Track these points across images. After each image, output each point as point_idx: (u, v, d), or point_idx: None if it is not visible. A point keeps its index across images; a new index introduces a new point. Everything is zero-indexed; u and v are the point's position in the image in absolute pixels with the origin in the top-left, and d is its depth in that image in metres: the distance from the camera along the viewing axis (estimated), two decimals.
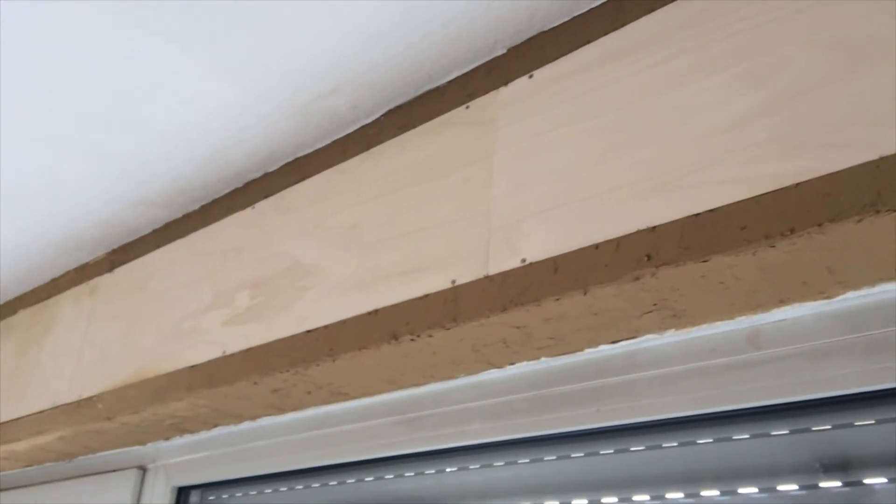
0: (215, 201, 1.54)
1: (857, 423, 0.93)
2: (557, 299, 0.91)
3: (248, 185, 1.48)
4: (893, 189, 0.69)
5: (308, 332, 1.19)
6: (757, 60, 0.83)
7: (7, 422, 1.79)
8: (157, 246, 1.63)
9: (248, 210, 1.44)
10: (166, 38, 1.13)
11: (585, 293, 0.89)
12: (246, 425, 1.54)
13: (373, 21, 1.07)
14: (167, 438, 1.65)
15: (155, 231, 1.68)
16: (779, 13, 0.83)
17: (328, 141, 1.34)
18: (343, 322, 1.14)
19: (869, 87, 0.74)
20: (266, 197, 1.41)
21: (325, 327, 1.17)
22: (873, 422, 0.91)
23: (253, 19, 1.08)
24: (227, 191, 1.52)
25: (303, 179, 1.34)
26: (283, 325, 1.24)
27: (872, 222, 0.71)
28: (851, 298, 0.88)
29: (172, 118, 1.31)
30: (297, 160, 1.39)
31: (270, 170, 1.44)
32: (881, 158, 0.70)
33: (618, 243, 0.87)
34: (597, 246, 0.89)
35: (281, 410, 1.40)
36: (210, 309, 1.41)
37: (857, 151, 0.72)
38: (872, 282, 0.83)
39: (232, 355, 1.31)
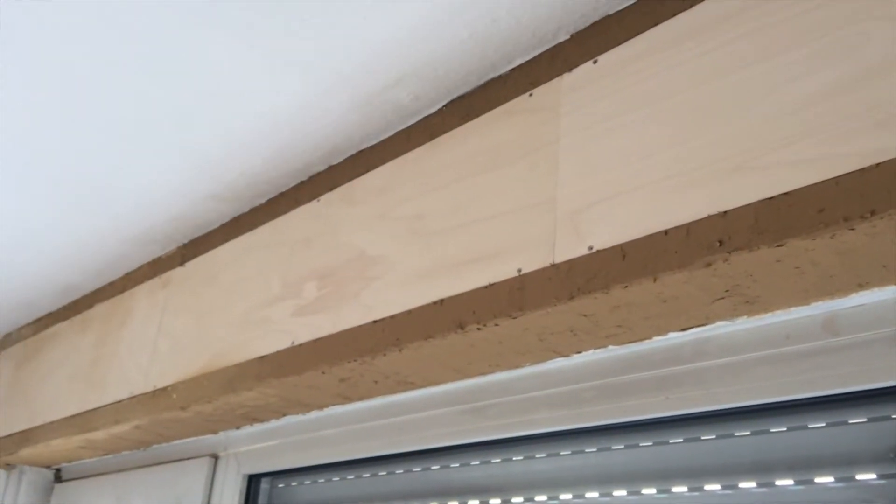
0: (282, 194, 1.57)
1: None
2: (626, 287, 0.90)
3: (313, 177, 1.51)
4: None
5: (374, 322, 1.20)
6: (831, 37, 0.80)
7: (86, 412, 1.86)
8: (227, 239, 1.67)
9: (314, 203, 1.47)
10: (234, 34, 1.16)
11: (655, 280, 0.87)
12: (314, 414, 1.57)
13: (439, 9, 1.07)
14: (238, 427, 1.69)
15: (223, 225, 1.72)
16: None
17: (391, 132, 1.36)
18: (409, 312, 1.15)
19: None
20: (331, 189, 1.43)
21: (392, 317, 1.18)
22: None
23: (318, 14, 1.10)
24: (293, 184, 1.55)
25: (367, 171, 1.36)
26: (350, 315, 1.26)
27: None
28: None
29: (240, 114, 1.34)
30: (361, 152, 1.41)
31: (335, 162, 1.46)
32: None
33: (688, 229, 0.86)
34: (666, 232, 0.88)
35: (348, 399, 1.42)
36: (278, 300, 1.44)
37: None
38: None
39: (300, 345, 1.33)
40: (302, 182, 1.54)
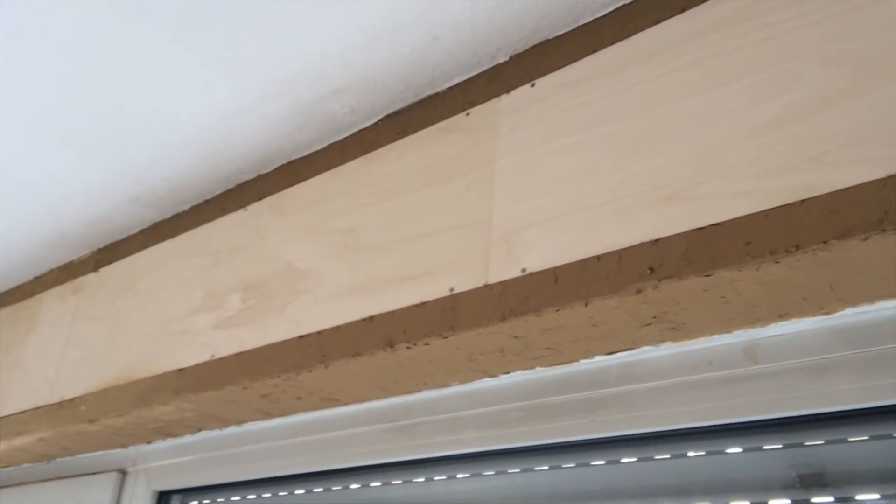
0: (207, 202, 1.53)
1: (851, 439, 0.93)
2: (558, 310, 0.90)
3: (241, 186, 1.47)
4: None
5: (301, 337, 1.18)
6: (767, 74, 0.83)
7: None
8: (146, 246, 1.61)
9: (241, 212, 1.43)
10: (166, 34, 1.12)
11: (586, 305, 0.88)
12: (231, 430, 1.52)
13: (381, 23, 1.06)
14: (149, 442, 1.63)
15: (143, 230, 1.66)
16: (789, 26, 0.83)
17: (325, 144, 1.33)
18: (337, 328, 1.13)
19: (880, 104, 0.74)
20: (260, 199, 1.39)
21: (319, 333, 1.15)
22: (867, 438, 0.92)
23: (259, 19, 1.07)
24: (219, 191, 1.51)
25: (299, 182, 1.33)
26: (276, 329, 1.23)
27: (878, 241, 0.71)
28: (850, 315, 0.89)
29: (170, 116, 1.29)
30: (293, 162, 1.38)
31: (265, 171, 1.43)
32: (889, 176, 0.71)
33: (620, 255, 0.87)
34: (599, 257, 0.89)
35: (269, 415, 1.39)
36: (200, 311, 1.39)
37: (866, 169, 0.72)
38: (872, 299, 0.83)
39: (221, 359, 1.29)
40: (229, 190, 1.50)
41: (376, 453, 1.31)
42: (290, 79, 1.19)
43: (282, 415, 1.38)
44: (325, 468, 1.40)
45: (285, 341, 1.20)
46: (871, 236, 0.71)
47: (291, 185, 1.35)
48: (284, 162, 1.40)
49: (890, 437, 0.90)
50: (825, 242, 0.73)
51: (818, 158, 0.76)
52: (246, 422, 1.44)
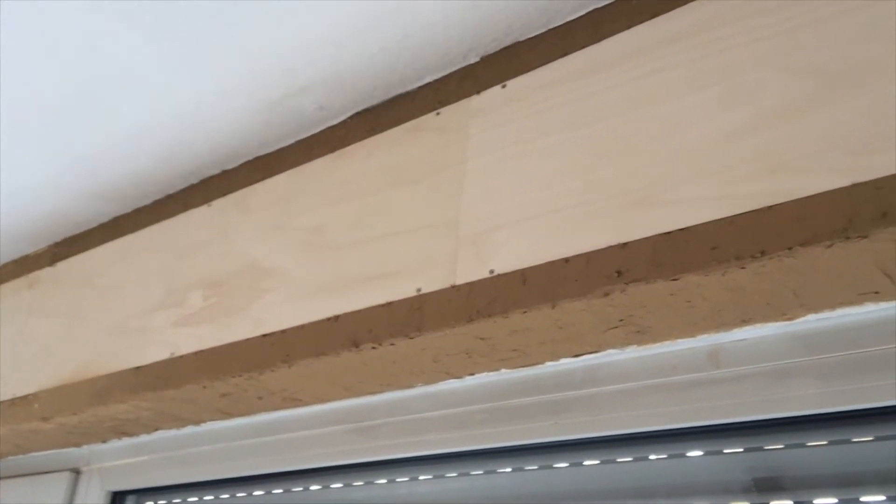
0: (169, 197, 1.50)
1: (810, 444, 0.94)
2: (525, 312, 0.90)
3: (205, 181, 1.44)
4: (864, 216, 0.70)
5: (264, 336, 1.16)
6: (735, 82, 0.84)
7: None
8: (105, 240, 1.58)
9: (205, 207, 1.40)
10: (132, 27, 1.09)
11: (554, 307, 0.88)
12: (189, 429, 1.50)
13: (351, 20, 1.05)
14: (104, 441, 1.59)
15: (102, 225, 1.62)
16: (757, 36, 0.84)
17: (292, 140, 1.32)
18: (302, 327, 1.12)
19: (844, 115, 0.75)
20: (225, 195, 1.37)
21: (283, 332, 1.14)
22: (826, 443, 0.93)
23: (226, 12, 1.06)
24: (182, 186, 1.48)
25: (265, 178, 1.31)
26: (238, 327, 1.21)
27: (842, 248, 0.72)
28: (812, 321, 0.90)
29: (133, 109, 1.26)
30: (259, 158, 1.36)
31: (230, 167, 1.41)
32: (853, 185, 0.72)
33: (588, 258, 0.87)
34: (567, 260, 0.89)
35: (228, 415, 1.36)
36: (160, 308, 1.36)
37: (831, 177, 0.73)
38: (833, 306, 0.84)
39: (181, 357, 1.27)
40: (192, 185, 1.47)
41: (338, 454, 1.30)
42: (257, 74, 1.17)
43: (242, 415, 1.36)
44: (286, 469, 1.39)
45: (248, 340, 1.18)
46: (835, 243, 0.72)
47: (257, 181, 1.33)
48: (250, 158, 1.38)
49: (848, 442, 0.91)
50: (790, 249, 0.74)
51: (784, 166, 0.77)
52: (205, 421, 1.42)
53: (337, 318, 1.07)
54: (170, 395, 1.27)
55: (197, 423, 1.43)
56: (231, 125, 1.29)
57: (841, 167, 0.73)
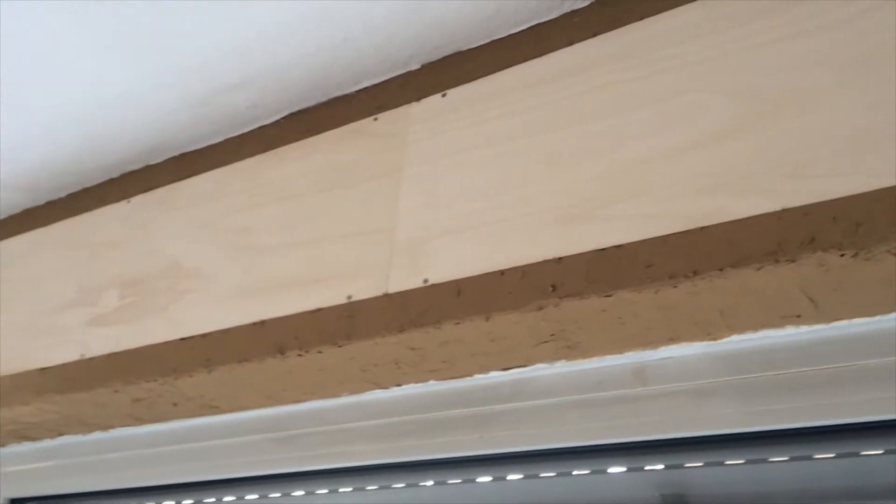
0: (86, 190, 1.43)
1: (727, 463, 0.96)
2: (458, 323, 0.89)
3: (126, 175, 1.39)
4: (793, 240, 0.72)
5: (183, 339, 1.12)
6: (674, 102, 0.86)
7: None
8: (14, 233, 1.50)
9: (124, 203, 1.35)
10: (57, 12, 1.04)
11: (487, 319, 0.88)
12: (96, 435, 1.43)
13: (291, 17, 1.03)
14: (4, 445, 1.50)
15: (12, 217, 1.54)
16: (697, 58, 0.86)
17: (222, 138, 1.28)
18: (224, 331, 1.08)
19: (778, 139, 0.77)
20: (147, 191, 1.32)
21: (204, 336, 1.10)
22: (743, 461, 0.96)
23: (159, 2, 1.01)
24: (101, 180, 1.42)
25: (191, 176, 1.27)
26: (156, 330, 1.16)
27: (771, 271, 0.74)
28: (734, 341, 0.92)
29: (52, 98, 1.20)
30: (185, 154, 1.32)
31: (154, 162, 1.35)
32: (783, 210, 0.74)
33: (524, 271, 0.87)
34: (502, 272, 0.89)
35: (140, 421, 1.31)
36: (71, 306, 1.30)
37: (762, 201, 0.75)
38: (756, 327, 0.87)
39: (92, 359, 1.21)
40: (112, 179, 1.41)
41: (256, 464, 1.26)
42: (189, 67, 1.13)
43: (154, 421, 1.30)
44: (198, 479, 1.33)
45: (165, 343, 1.14)
46: (765, 266, 0.73)
47: (183, 178, 1.28)
48: (177, 154, 1.33)
49: (765, 461, 0.94)
50: (721, 270, 0.75)
51: (718, 188, 0.79)
52: (113, 427, 1.36)
53: (262, 323, 1.04)
54: (78, 398, 1.21)
55: (105, 428, 1.36)
56: (159, 119, 1.24)
57: (772, 191, 0.75)
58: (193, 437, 1.34)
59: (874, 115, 0.73)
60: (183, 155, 1.32)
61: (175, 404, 1.21)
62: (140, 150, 1.32)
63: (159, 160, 1.35)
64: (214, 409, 1.22)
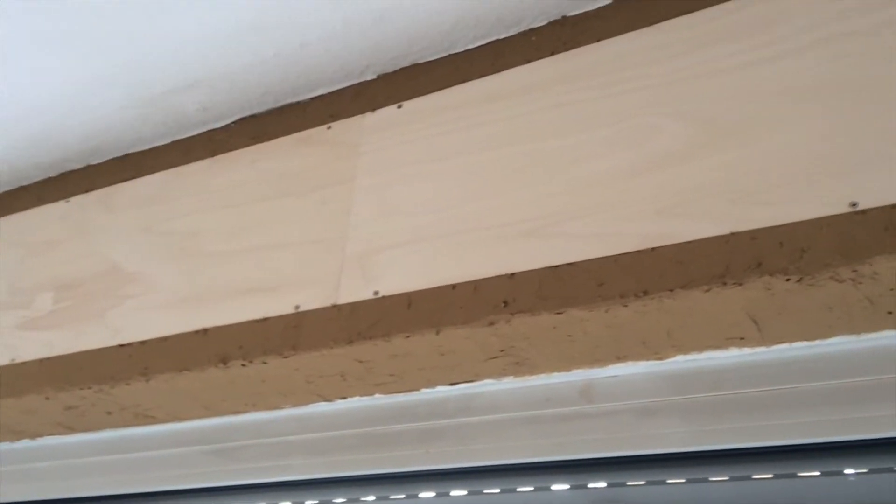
0: (23, 188, 1.38)
1: (669, 482, 0.97)
2: (408, 336, 0.88)
3: (65, 175, 1.34)
4: (740, 263, 0.74)
5: (121, 346, 1.08)
6: (627, 124, 0.87)
7: None
8: None
9: (62, 203, 1.30)
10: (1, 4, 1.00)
11: (438, 333, 0.87)
12: (24, 443, 1.37)
13: (247, 20, 1.01)
14: None
15: None
16: (652, 82, 0.88)
17: (169, 140, 1.25)
18: (164, 339, 1.05)
19: (729, 165, 0.79)
20: (87, 191, 1.28)
21: (143, 343, 1.06)
22: (684, 481, 0.97)
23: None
24: (38, 178, 1.37)
25: (135, 177, 1.24)
26: (92, 335, 1.12)
27: (718, 293, 0.75)
28: (680, 361, 0.93)
29: None
30: (130, 155, 1.28)
31: (96, 162, 1.31)
32: (732, 234, 0.75)
33: (476, 286, 0.87)
34: (454, 286, 0.88)
35: (71, 430, 1.26)
36: (2, 309, 1.24)
37: (712, 224, 0.77)
38: (702, 348, 0.88)
39: (23, 364, 1.16)
40: (50, 178, 1.36)
41: (191, 477, 1.22)
42: (138, 66, 1.10)
43: (87, 430, 1.26)
44: (130, 491, 1.29)
45: (101, 349, 1.10)
46: (713, 288, 0.75)
47: (126, 179, 1.25)
48: (121, 154, 1.29)
49: (706, 480, 0.95)
50: (671, 291, 0.76)
51: (669, 210, 0.80)
52: (42, 435, 1.30)
53: (205, 331, 1.01)
54: (6, 404, 1.16)
55: (34, 436, 1.31)
56: (104, 118, 1.20)
57: (722, 215, 0.77)
58: (126, 448, 1.30)
59: (822, 144, 0.76)
60: (127, 156, 1.29)
61: (109, 413, 1.16)
62: (82, 149, 1.28)
63: (102, 160, 1.31)
64: (150, 419, 1.18)
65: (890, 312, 0.76)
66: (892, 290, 0.73)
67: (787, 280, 0.72)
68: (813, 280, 0.72)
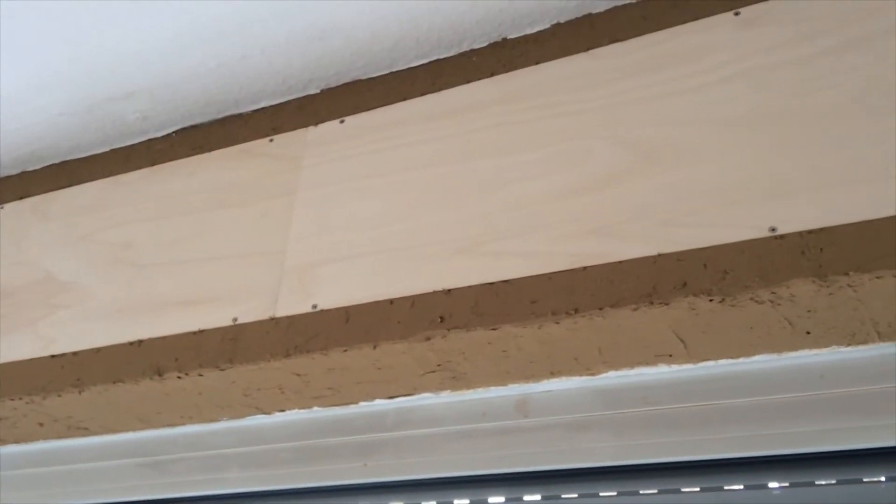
0: None
1: (602, 495, 1.00)
2: (345, 350, 0.89)
3: None
4: (667, 284, 0.76)
5: (53, 356, 1.06)
6: (563, 146, 0.89)
7: None
8: None
9: None
10: None
11: (375, 347, 0.88)
12: None
13: (187, 31, 1.01)
14: None
15: None
16: (588, 106, 0.91)
17: (108, 148, 1.23)
18: (97, 350, 1.03)
19: (659, 188, 0.82)
20: (22, 198, 1.25)
21: (75, 354, 1.05)
22: (616, 494, 0.99)
23: (55, 2, 0.97)
24: None
25: (72, 185, 1.21)
26: (22, 345, 1.09)
27: (646, 312, 0.78)
28: (612, 377, 0.96)
29: None
30: (67, 163, 1.26)
31: (31, 168, 1.28)
32: (659, 255, 0.78)
33: (413, 301, 0.88)
34: (391, 301, 0.89)
35: (2, 441, 1.22)
36: None
37: (640, 245, 0.79)
38: (632, 364, 0.90)
39: None
40: None
41: (126, 490, 1.20)
42: (76, 73, 1.08)
43: (16, 442, 1.22)
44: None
45: (33, 360, 1.08)
46: (640, 307, 0.77)
47: (62, 187, 1.23)
48: (58, 161, 1.27)
49: (636, 493, 0.97)
50: (601, 309, 0.79)
51: (600, 230, 0.83)
52: None
53: (140, 342, 1.00)
54: None
55: None
56: (40, 124, 1.18)
57: (650, 237, 0.79)
58: (58, 460, 1.27)
59: (745, 171, 0.79)
60: (64, 163, 1.27)
61: (41, 424, 1.14)
62: (17, 155, 1.25)
63: (38, 167, 1.28)
64: (83, 431, 1.16)
65: (808, 332, 0.80)
66: (809, 311, 0.76)
67: (711, 300, 0.75)
68: (734, 301, 0.75)
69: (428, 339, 0.86)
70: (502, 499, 1.04)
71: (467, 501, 1.06)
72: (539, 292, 0.82)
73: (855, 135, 0.76)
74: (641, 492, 0.97)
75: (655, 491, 0.97)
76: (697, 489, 0.95)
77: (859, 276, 0.70)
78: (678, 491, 0.96)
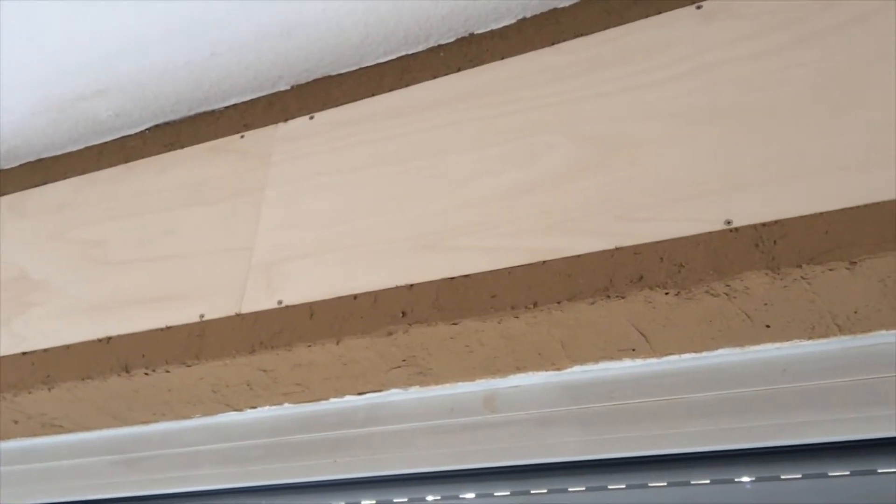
0: None
1: (571, 490, 1.00)
2: (310, 346, 0.89)
3: None
4: (623, 277, 0.77)
5: (24, 353, 1.06)
6: (523, 141, 0.89)
7: None
8: None
9: None
10: None
11: (338, 343, 0.88)
12: None
13: (157, 28, 1.01)
14: None
15: None
16: (549, 101, 0.91)
17: (81, 146, 1.24)
18: (67, 347, 1.04)
19: (615, 182, 0.82)
20: None
21: (46, 351, 1.05)
22: (584, 489, 0.99)
23: (24, 1, 0.97)
24: None
25: (46, 183, 1.22)
26: None
27: (603, 305, 0.78)
28: (577, 372, 0.96)
29: None
30: (41, 161, 1.26)
31: (4, 167, 1.29)
32: (616, 249, 0.78)
33: (376, 297, 0.88)
34: (355, 297, 0.89)
35: None
36: None
37: (597, 240, 0.79)
38: (596, 359, 0.91)
39: None
40: None
41: (99, 487, 1.20)
42: (50, 71, 1.09)
43: None
44: (38, 502, 1.26)
45: (5, 357, 1.08)
46: (597, 301, 0.77)
47: (36, 185, 1.23)
48: (32, 159, 1.27)
49: (604, 488, 0.97)
50: (559, 303, 0.79)
51: (559, 225, 0.83)
52: None
53: (108, 339, 1.01)
54: None
55: None
56: (13, 122, 1.19)
57: (607, 231, 0.80)
58: (33, 458, 1.27)
59: (701, 165, 0.79)
60: (38, 161, 1.27)
61: (16, 422, 1.14)
62: None
63: (11, 165, 1.29)
64: (57, 429, 1.16)
65: (768, 326, 0.80)
66: (766, 304, 0.76)
67: (667, 293, 0.75)
68: (690, 294, 0.75)
69: (390, 334, 0.86)
70: (472, 494, 1.04)
71: (439, 497, 1.06)
72: (498, 287, 0.82)
73: (808, 129, 0.76)
74: (609, 487, 0.98)
75: (623, 486, 0.97)
76: (664, 483, 0.95)
77: (812, 269, 0.70)
78: (646, 486, 0.96)
